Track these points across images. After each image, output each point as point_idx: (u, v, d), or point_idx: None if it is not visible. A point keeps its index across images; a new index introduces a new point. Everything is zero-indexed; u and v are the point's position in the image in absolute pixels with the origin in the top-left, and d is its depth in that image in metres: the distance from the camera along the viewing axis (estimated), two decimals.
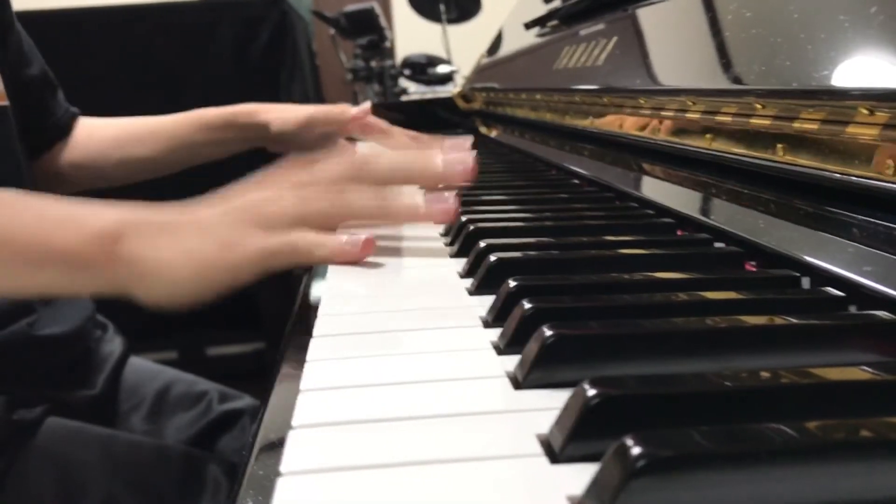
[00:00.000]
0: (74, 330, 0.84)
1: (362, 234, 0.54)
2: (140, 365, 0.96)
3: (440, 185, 0.59)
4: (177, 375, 0.96)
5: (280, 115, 0.95)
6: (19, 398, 0.73)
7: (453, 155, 0.58)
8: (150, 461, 0.78)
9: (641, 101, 0.66)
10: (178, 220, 0.51)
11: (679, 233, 0.53)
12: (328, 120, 0.96)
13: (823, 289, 0.37)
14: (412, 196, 0.57)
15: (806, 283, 0.39)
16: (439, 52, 2.40)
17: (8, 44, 0.86)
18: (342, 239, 0.53)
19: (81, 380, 0.85)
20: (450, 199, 0.56)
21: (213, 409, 0.92)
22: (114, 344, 0.93)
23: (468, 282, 0.47)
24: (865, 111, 0.37)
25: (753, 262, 0.43)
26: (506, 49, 1.41)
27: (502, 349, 0.35)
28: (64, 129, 0.97)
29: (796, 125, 0.43)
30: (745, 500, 0.20)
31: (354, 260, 0.53)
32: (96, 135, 0.98)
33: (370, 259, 0.54)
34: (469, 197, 0.69)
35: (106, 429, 0.79)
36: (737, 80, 0.50)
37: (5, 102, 0.82)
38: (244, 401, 0.95)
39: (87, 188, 0.95)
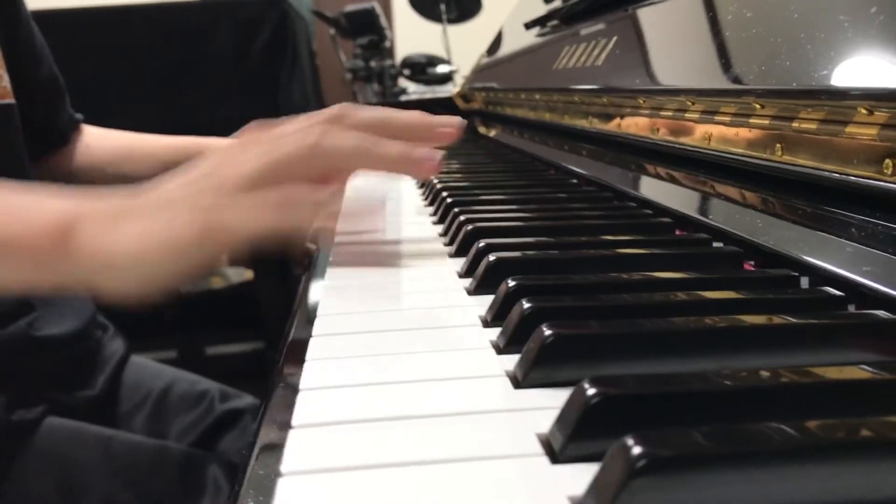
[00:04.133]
0: (75, 331, 0.84)
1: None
2: (141, 364, 0.96)
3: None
4: (178, 375, 0.96)
5: None
6: (19, 399, 0.73)
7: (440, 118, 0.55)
8: (151, 462, 0.78)
9: (641, 101, 0.66)
10: (136, 203, 0.47)
11: (678, 232, 0.53)
12: None
13: (822, 288, 0.37)
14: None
15: (805, 282, 0.39)
16: (439, 51, 2.40)
17: (17, 40, 0.86)
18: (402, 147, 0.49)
19: (82, 381, 0.85)
20: (437, 155, 0.52)
21: (214, 408, 0.92)
22: (114, 345, 0.93)
23: (467, 281, 0.47)
24: (864, 111, 0.37)
25: (752, 262, 0.43)
26: (506, 49, 1.41)
27: (502, 348, 0.35)
28: (65, 137, 0.96)
29: (795, 125, 0.43)
30: (745, 500, 0.20)
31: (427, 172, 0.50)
32: (94, 146, 0.98)
33: (370, 259, 0.54)
34: (468, 196, 0.69)
35: (106, 429, 0.79)
36: (736, 80, 0.50)
37: (11, 100, 0.82)
38: (245, 400, 0.95)
39: None
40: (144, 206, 0.46)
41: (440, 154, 0.53)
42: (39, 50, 0.91)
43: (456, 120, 0.55)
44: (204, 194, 0.46)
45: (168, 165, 0.96)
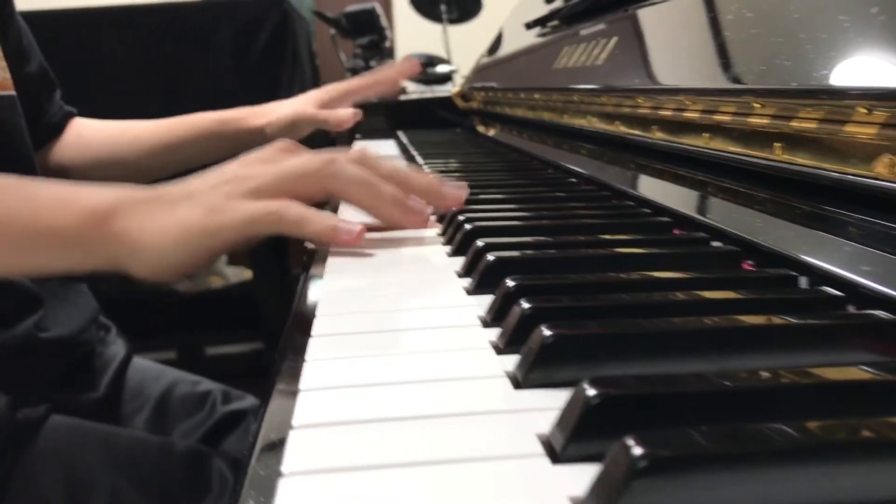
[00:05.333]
0: (78, 331, 0.84)
1: (357, 224, 0.53)
2: (143, 366, 0.96)
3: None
4: (180, 376, 0.96)
5: (270, 118, 0.96)
6: (23, 398, 0.73)
7: (453, 184, 0.61)
8: (155, 458, 0.78)
9: (640, 101, 0.66)
10: (169, 192, 0.52)
11: (676, 232, 0.53)
12: (314, 123, 0.97)
13: (821, 288, 0.37)
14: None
15: (804, 282, 0.39)
16: (439, 51, 2.40)
17: (7, 39, 0.86)
18: (333, 221, 0.52)
19: (85, 383, 0.85)
20: (427, 210, 0.59)
21: (216, 410, 0.92)
22: (117, 346, 0.93)
23: (466, 281, 0.47)
24: (863, 110, 0.37)
25: (751, 262, 0.43)
26: (505, 49, 1.41)
27: (501, 349, 0.35)
28: (57, 129, 0.97)
29: (794, 124, 0.43)
30: (745, 500, 0.20)
31: (343, 245, 0.53)
32: (87, 136, 0.98)
33: (368, 258, 0.54)
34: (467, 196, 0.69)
35: (109, 426, 0.79)
36: (735, 80, 0.50)
37: (12, 92, 0.82)
38: (247, 401, 0.95)
39: None
40: (169, 197, 0.52)
41: (430, 210, 0.59)
42: (27, 46, 0.91)
43: (464, 193, 0.61)
44: (215, 195, 0.51)
45: (159, 146, 0.97)
